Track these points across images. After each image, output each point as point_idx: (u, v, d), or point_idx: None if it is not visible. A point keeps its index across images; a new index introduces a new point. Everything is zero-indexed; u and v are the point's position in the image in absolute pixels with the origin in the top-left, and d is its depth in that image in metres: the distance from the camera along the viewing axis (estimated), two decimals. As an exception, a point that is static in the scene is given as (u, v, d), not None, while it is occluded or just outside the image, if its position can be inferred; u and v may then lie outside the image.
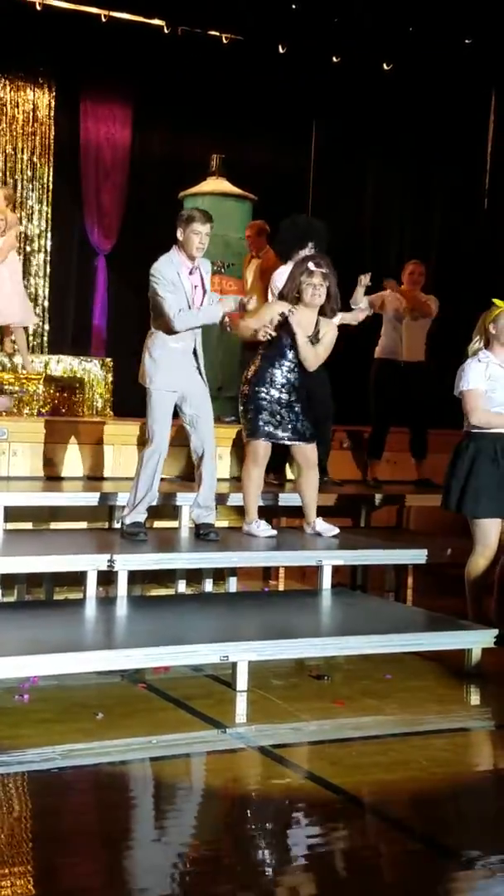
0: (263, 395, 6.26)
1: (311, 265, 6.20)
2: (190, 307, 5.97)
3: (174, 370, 6.03)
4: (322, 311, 6.29)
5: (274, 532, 6.44)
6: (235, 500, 6.81)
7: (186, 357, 6.09)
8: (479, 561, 5.73)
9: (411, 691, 5.05)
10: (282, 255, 7.30)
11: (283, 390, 6.29)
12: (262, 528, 6.38)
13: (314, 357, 6.29)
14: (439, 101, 12.11)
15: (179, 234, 5.98)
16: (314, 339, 6.26)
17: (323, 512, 6.71)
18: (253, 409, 6.29)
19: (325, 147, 12.91)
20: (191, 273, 6.02)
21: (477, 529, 5.71)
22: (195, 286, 6.03)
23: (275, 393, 6.28)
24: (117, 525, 7.00)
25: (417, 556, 6.46)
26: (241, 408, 6.43)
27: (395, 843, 3.47)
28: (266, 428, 6.27)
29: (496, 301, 5.71)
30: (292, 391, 6.32)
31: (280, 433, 6.31)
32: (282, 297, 6.36)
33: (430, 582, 7.46)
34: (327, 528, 6.50)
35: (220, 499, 6.93)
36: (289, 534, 6.65)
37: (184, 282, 5.97)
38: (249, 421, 6.31)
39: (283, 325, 6.20)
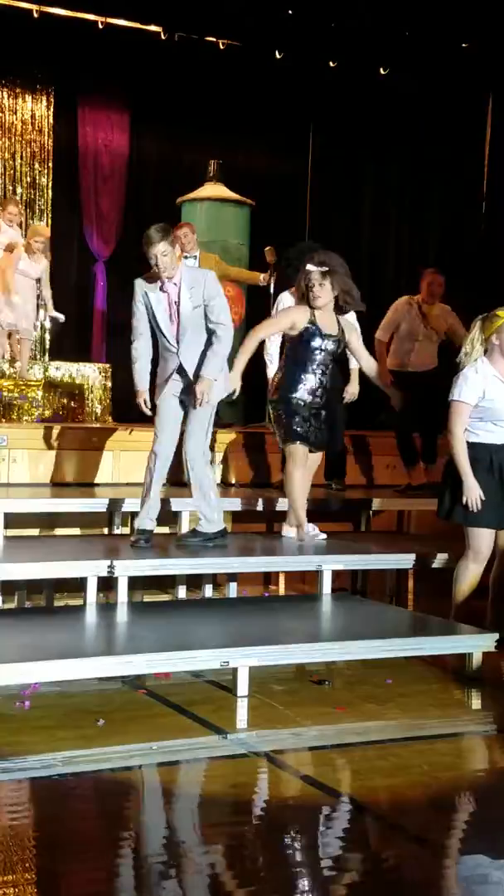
0: (296, 399, 6.30)
1: (308, 266, 6.25)
2: (159, 327, 5.99)
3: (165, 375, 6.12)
4: (338, 308, 6.35)
5: (324, 535, 6.51)
6: (230, 506, 6.86)
7: (175, 370, 6.06)
8: (468, 566, 5.74)
9: (412, 696, 5.05)
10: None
11: (315, 395, 6.35)
12: (314, 532, 6.46)
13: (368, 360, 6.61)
14: (436, 106, 12.13)
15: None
16: (341, 339, 6.35)
17: (325, 517, 6.71)
18: (287, 414, 6.31)
19: (323, 152, 12.93)
20: (162, 289, 5.96)
21: (470, 536, 5.71)
22: (173, 302, 5.95)
23: (307, 398, 6.33)
24: (117, 531, 7.02)
25: (417, 560, 6.47)
26: (273, 413, 6.45)
27: (396, 847, 3.46)
28: (299, 430, 6.31)
29: (499, 312, 5.59)
30: (322, 397, 6.39)
31: (311, 438, 6.38)
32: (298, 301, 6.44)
33: (431, 586, 7.45)
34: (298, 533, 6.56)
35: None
36: (288, 539, 6.64)
37: (152, 301, 5.98)
38: (285, 425, 6.33)
39: (311, 329, 6.26)
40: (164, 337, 6.02)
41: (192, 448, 6.06)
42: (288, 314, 6.40)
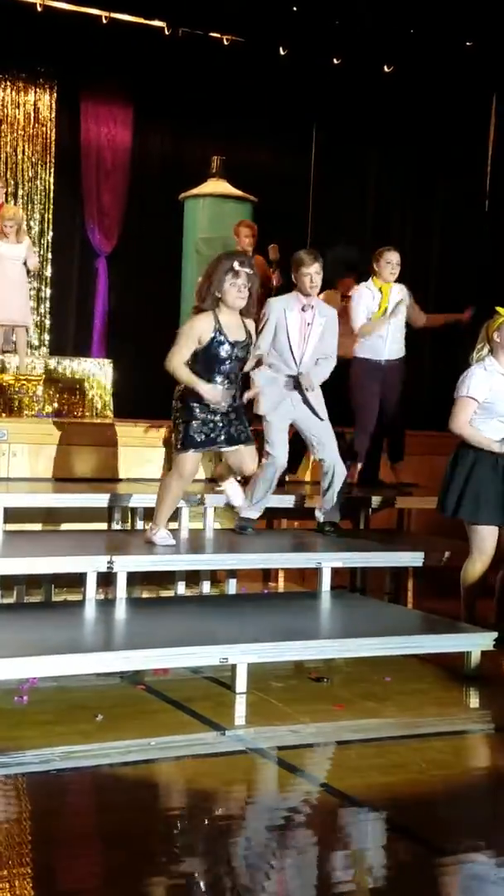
0: (196, 406, 5.79)
1: (235, 264, 5.69)
2: (290, 346, 6.35)
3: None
4: (243, 313, 5.87)
5: (173, 542, 6.04)
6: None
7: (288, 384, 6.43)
8: (475, 566, 5.74)
9: (410, 694, 5.05)
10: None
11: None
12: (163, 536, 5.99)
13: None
14: (440, 104, 12.12)
15: (294, 278, 6.42)
16: (248, 342, 5.89)
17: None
18: (185, 422, 5.80)
19: (326, 149, 12.91)
20: (303, 310, 6.35)
21: (474, 535, 5.72)
22: (307, 323, 6.36)
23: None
24: (116, 527, 7.01)
25: (416, 558, 6.47)
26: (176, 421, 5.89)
27: (393, 845, 3.47)
28: (198, 438, 5.82)
29: (500, 309, 5.70)
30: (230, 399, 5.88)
31: (217, 439, 5.91)
32: (199, 297, 5.81)
33: (430, 584, 7.46)
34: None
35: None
36: (289, 536, 6.65)
37: (289, 320, 6.33)
38: (182, 433, 5.80)
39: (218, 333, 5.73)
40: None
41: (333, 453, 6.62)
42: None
